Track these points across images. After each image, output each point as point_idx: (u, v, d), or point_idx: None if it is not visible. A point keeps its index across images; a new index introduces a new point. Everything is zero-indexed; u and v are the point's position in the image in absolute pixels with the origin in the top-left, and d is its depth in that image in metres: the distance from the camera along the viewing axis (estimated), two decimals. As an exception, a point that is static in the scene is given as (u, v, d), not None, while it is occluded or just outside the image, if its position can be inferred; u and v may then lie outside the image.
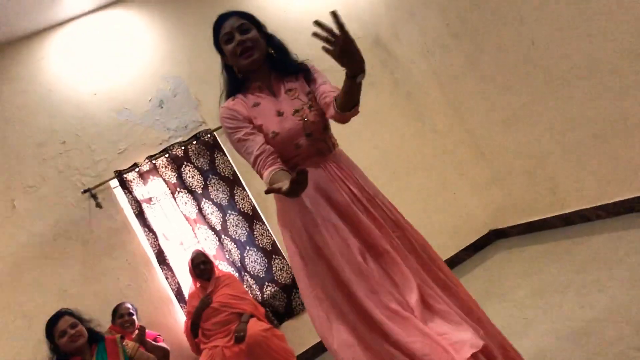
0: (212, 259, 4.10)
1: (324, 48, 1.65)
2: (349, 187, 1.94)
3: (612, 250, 3.04)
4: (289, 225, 1.95)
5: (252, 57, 1.96)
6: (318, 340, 4.20)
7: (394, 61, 5.03)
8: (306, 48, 2.22)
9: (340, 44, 1.62)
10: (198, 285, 4.02)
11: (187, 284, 4.12)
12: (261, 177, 1.87)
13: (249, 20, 2.01)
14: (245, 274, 4.31)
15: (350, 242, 1.84)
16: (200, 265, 4.00)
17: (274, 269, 4.34)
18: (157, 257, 4.18)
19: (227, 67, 2.07)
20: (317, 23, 1.60)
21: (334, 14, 1.56)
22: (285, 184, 1.53)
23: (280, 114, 1.95)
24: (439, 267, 1.94)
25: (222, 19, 2.00)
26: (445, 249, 4.74)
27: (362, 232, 1.87)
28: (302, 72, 2.06)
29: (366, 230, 1.87)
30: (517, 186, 4.31)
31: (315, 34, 1.62)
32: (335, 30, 1.59)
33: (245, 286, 4.22)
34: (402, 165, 4.88)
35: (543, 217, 4.20)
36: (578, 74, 3.31)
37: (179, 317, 4.20)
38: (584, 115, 3.41)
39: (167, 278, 4.16)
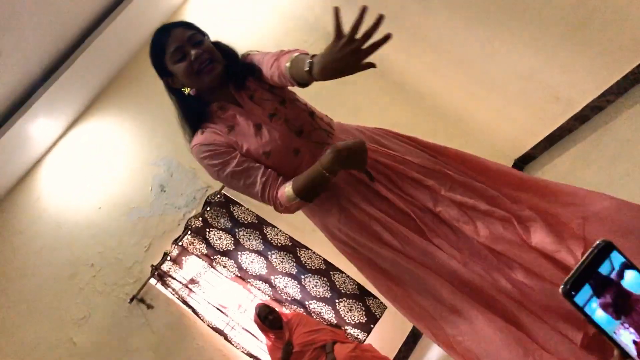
0: (275, 307, 4.09)
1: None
2: (373, 159, 1.63)
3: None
4: (336, 231, 1.68)
5: (214, 71, 1.64)
6: (407, 334, 4.18)
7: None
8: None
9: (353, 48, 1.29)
10: (272, 337, 4.01)
11: (262, 341, 4.11)
12: (275, 204, 1.62)
13: (197, 30, 1.68)
14: (312, 302, 4.28)
15: (400, 218, 1.60)
16: (269, 317, 3.98)
17: (337, 283, 4.30)
18: (218, 333, 4.19)
19: (175, 91, 1.73)
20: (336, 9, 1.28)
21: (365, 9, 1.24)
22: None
23: (258, 127, 1.66)
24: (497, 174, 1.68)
25: (163, 34, 1.65)
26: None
27: (408, 202, 1.62)
28: (254, 70, 1.72)
29: (411, 198, 1.62)
30: (520, 110, 4.24)
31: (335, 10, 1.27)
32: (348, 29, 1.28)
33: (315, 314, 4.22)
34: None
35: (559, 125, 4.13)
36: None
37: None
38: (549, 19, 3.36)
39: (231, 344, 4.17)
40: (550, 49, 3.54)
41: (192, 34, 1.65)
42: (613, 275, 0.83)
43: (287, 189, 1.57)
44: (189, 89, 1.72)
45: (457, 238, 1.58)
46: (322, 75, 1.37)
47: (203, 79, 1.64)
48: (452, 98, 4.63)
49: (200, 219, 4.42)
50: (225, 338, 4.18)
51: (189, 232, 4.38)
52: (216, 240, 4.39)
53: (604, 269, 0.82)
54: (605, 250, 0.83)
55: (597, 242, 0.84)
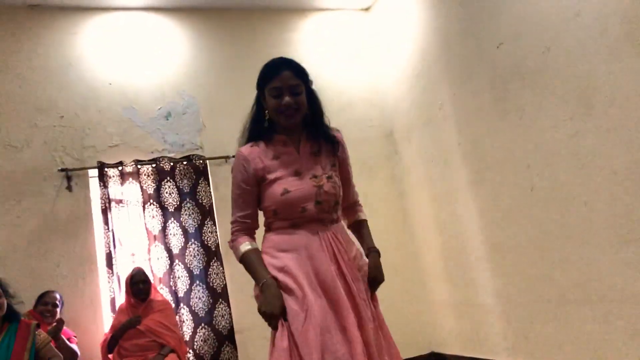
0: (152, 280, 3.98)
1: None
2: (337, 261, 1.91)
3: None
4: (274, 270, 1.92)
5: (293, 120, 1.95)
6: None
7: (398, 159, 5.14)
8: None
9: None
10: (132, 301, 3.88)
11: (122, 297, 3.98)
12: (233, 244, 1.99)
13: (302, 79, 1.96)
14: (185, 307, 4.17)
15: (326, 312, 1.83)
16: (140, 284, 3.86)
17: (215, 312, 4.21)
18: (106, 257, 4.06)
19: (259, 106, 2.03)
20: None
21: None
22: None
23: (298, 173, 1.95)
24: None
25: (277, 69, 1.94)
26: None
27: (338, 308, 1.83)
28: (333, 142, 2.05)
29: (342, 307, 1.83)
30: (472, 318, 4.29)
31: None
32: None
33: (179, 320, 4.09)
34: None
35: (487, 358, 4.15)
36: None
37: (102, 326, 4.03)
38: (558, 277, 3.46)
39: (109, 282, 4.02)
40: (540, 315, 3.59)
41: (296, 84, 1.93)
42: None
43: (243, 246, 1.96)
44: (268, 116, 2.00)
45: None
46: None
47: (282, 120, 1.95)
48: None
49: (171, 164, 4.39)
50: (106, 266, 4.06)
51: (154, 165, 4.34)
52: (166, 192, 4.34)
53: None
54: None
55: None
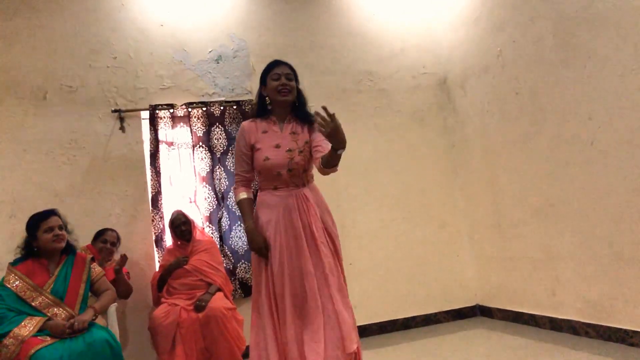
0: (192, 220, 4.04)
1: (319, 129, 2.32)
2: (307, 217, 2.60)
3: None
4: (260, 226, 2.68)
5: (287, 97, 2.68)
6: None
7: (451, 109, 4.99)
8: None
9: (330, 128, 2.25)
10: (177, 243, 3.99)
11: (169, 235, 4.09)
12: (234, 192, 2.78)
13: (293, 74, 2.73)
14: (226, 246, 4.29)
15: (292, 262, 2.58)
16: (181, 227, 3.94)
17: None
18: (152, 198, 4.17)
19: (261, 96, 2.76)
20: (317, 113, 2.29)
21: (324, 108, 2.26)
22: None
23: (277, 146, 2.65)
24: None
25: (276, 63, 2.73)
26: (427, 305, 4.69)
27: (301, 251, 2.58)
28: (310, 123, 2.72)
29: (303, 251, 2.58)
30: (521, 273, 4.22)
31: (316, 114, 2.30)
32: (327, 117, 2.25)
33: (224, 256, 4.20)
34: (418, 207, 4.83)
35: (533, 313, 4.10)
36: (628, 186, 3.23)
37: (152, 264, 4.17)
38: (614, 234, 3.33)
39: (153, 221, 4.14)
40: (594, 264, 3.49)
41: (289, 73, 2.70)
42: None
43: (240, 195, 2.75)
44: (268, 100, 2.74)
45: None
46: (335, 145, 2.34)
47: (279, 97, 2.68)
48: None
49: (222, 108, 4.40)
50: (152, 205, 4.18)
51: (204, 109, 4.36)
52: (215, 136, 4.37)
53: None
54: None
55: None
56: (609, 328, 3.41)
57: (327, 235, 2.65)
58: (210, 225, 4.30)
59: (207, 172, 4.33)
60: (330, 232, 2.68)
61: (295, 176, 2.65)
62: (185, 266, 3.83)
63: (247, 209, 2.69)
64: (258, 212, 2.72)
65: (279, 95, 2.66)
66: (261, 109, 2.76)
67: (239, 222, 4.35)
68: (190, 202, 4.30)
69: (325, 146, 2.54)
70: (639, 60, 3.04)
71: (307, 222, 2.60)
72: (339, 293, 2.54)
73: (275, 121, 2.72)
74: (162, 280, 3.85)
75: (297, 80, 2.76)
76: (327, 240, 2.64)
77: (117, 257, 3.76)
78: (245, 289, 4.29)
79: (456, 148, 4.96)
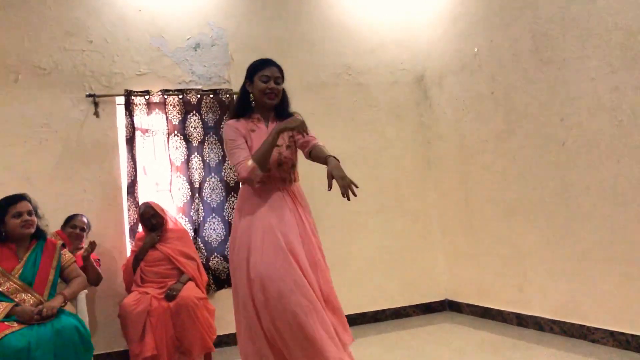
0: (164, 210, 3.99)
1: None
2: (295, 208, 2.63)
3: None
4: (242, 218, 2.62)
5: (273, 101, 2.67)
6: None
7: (427, 105, 5.03)
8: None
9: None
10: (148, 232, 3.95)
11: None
12: (240, 173, 2.50)
13: (282, 76, 2.70)
14: (199, 238, 4.28)
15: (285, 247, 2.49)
16: (151, 220, 3.89)
17: (228, 245, 4.29)
18: (128, 187, 4.13)
19: (245, 92, 2.71)
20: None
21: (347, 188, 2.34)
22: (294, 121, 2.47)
23: None
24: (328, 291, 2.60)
25: (268, 63, 2.67)
26: (396, 298, 4.75)
27: (292, 239, 2.53)
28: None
29: (295, 240, 2.53)
30: (490, 270, 4.30)
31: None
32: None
33: (198, 248, 4.19)
34: (392, 202, 4.88)
35: (501, 309, 4.19)
36: (602, 195, 3.31)
37: (123, 252, 4.14)
38: (581, 234, 3.41)
39: (129, 210, 4.10)
40: (564, 262, 3.57)
41: (278, 77, 2.67)
42: None
43: (249, 163, 2.49)
44: (252, 98, 2.71)
45: None
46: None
47: (265, 100, 2.65)
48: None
49: (198, 97, 4.36)
50: (127, 193, 4.14)
51: (180, 97, 4.32)
52: (191, 125, 4.34)
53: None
54: None
55: None
56: (573, 325, 3.51)
57: (312, 232, 2.67)
58: (183, 216, 4.27)
59: (182, 161, 4.30)
60: (315, 234, 2.71)
61: (284, 171, 2.64)
62: (157, 252, 3.80)
63: (262, 145, 2.52)
64: (243, 205, 2.65)
65: (265, 97, 2.64)
66: (243, 105, 2.72)
67: (213, 214, 4.34)
68: (168, 190, 4.26)
69: (313, 138, 2.64)
70: (610, 65, 3.11)
71: (297, 214, 2.62)
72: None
73: (260, 119, 2.70)
74: (137, 261, 3.82)
75: (283, 80, 2.73)
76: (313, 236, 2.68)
77: (86, 243, 3.72)
78: (218, 282, 4.27)
79: (431, 144, 5.01)
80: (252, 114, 2.71)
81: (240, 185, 2.78)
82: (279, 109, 2.74)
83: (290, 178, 2.68)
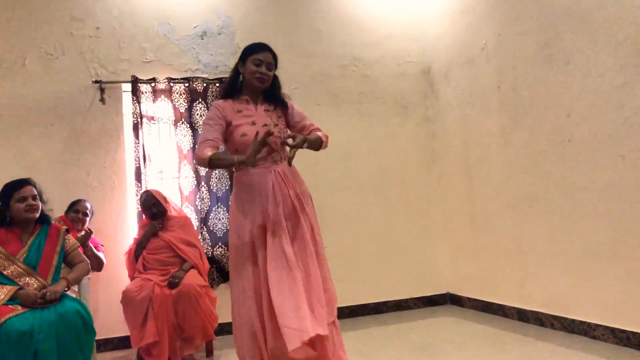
0: (165, 198, 3.99)
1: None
2: (288, 190, 2.65)
3: (550, 362, 3.03)
4: (240, 208, 2.68)
5: (263, 85, 2.72)
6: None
7: (434, 98, 5.02)
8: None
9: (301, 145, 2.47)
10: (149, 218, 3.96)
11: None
12: (199, 155, 2.54)
13: (275, 62, 2.75)
14: (204, 227, 4.28)
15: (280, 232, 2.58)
16: (152, 208, 3.89)
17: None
18: (136, 171, 4.14)
19: (236, 71, 2.76)
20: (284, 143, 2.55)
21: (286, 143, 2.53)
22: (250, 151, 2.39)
23: (253, 123, 2.67)
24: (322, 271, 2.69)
25: (262, 48, 2.71)
26: (398, 290, 4.76)
27: (280, 227, 2.59)
28: (282, 105, 2.82)
29: (281, 228, 2.59)
30: (492, 264, 4.30)
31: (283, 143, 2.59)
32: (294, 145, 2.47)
33: (202, 237, 4.20)
34: (396, 194, 4.88)
35: (502, 303, 4.19)
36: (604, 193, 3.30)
37: (127, 238, 4.16)
38: (583, 231, 3.41)
39: (137, 195, 4.11)
40: (567, 258, 3.57)
41: (271, 62, 2.72)
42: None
43: (207, 152, 2.51)
44: (241, 78, 2.76)
45: None
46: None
47: (256, 83, 2.70)
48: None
49: (204, 85, 4.36)
50: (137, 179, 4.14)
51: (187, 85, 4.32)
52: (197, 113, 4.34)
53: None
54: None
55: None
56: (573, 321, 3.51)
57: (306, 216, 2.69)
58: (189, 205, 4.28)
59: (188, 149, 4.31)
60: (310, 214, 2.73)
61: (273, 150, 2.66)
62: (159, 240, 3.81)
63: (224, 154, 2.65)
64: (238, 192, 2.71)
65: (255, 81, 2.68)
66: (233, 85, 2.77)
67: (218, 204, 4.34)
68: (177, 179, 4.27)
69: (311, 124, 2.81)
70: (618, 61, 3.09)
71: (288, 195, 2.64)
72: (326, 265, 2.74)
73: (249, 100, 2.74)
74: (139, 250, 3.83)
75: (276, 67, 2.77)
76: (307, 218, 2.70)
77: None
78: (223, 274, 4.28)
79: (436, 137, 5.00)
80: (240, 95, 2.75)
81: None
82: (269, 93, 2.78)
83: (279, 156, 2.71)
